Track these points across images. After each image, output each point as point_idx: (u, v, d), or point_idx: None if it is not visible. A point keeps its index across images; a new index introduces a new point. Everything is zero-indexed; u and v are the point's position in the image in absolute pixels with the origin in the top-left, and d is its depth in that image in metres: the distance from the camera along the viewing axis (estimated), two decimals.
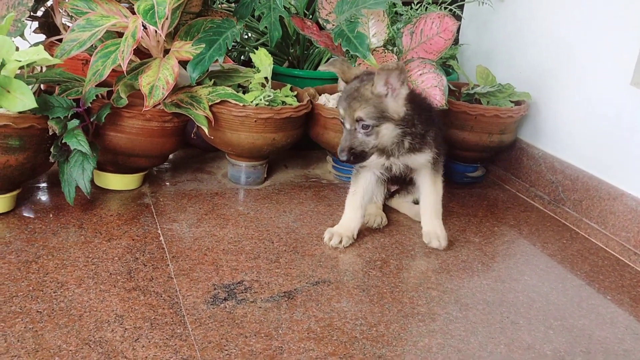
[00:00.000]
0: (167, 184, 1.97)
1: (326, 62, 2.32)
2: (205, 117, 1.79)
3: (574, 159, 2.00)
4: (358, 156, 1.56)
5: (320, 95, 2.10)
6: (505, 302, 1.48)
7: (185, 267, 1.49)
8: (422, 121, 1.61)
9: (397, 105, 1.54)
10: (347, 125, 1.55)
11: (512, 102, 2.12)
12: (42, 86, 1.80)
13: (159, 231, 1.66)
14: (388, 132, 1.55)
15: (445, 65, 2.38)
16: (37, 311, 1.28)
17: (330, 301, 1.41)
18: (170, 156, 2.10)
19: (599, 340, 1.37)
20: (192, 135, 1.95)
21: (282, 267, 1.54)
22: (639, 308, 1.52)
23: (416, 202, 1.83)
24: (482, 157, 2.21)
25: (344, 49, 1.90)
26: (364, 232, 1.76)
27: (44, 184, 1.86)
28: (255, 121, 1.84)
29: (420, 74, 1.87)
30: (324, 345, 1.25)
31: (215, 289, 1.42)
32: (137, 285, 1.40)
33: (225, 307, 1.35)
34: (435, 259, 1.66)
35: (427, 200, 1.73)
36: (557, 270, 1.67)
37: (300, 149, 2.29)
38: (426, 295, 1.48)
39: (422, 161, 1.67)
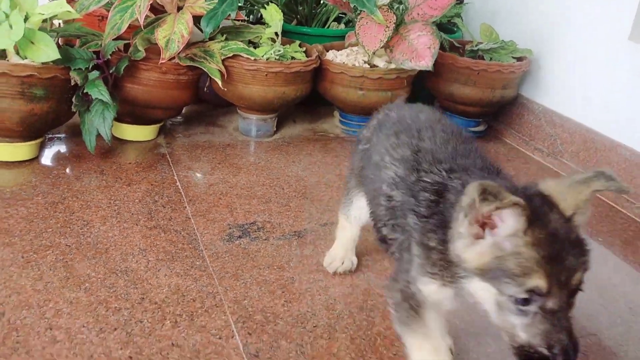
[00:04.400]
0: (181, 135, 2.06)
1: (334, 20, 2.40)
2: (219, 70, 1.87)
3: (572, 113, 2.08)
4: None
5: (328, 51, 2.17)
6: None
7: (202, 209, 1.59)
8: None
9: None
10: (563, 299, 0.80)
11: (514, 58, 2.18)
12: (60, 41, 1.87)
13: (176, 177, 1.75)
14: None
15: (450, 24, 2.44)
16: (66, 245, 1.38)
17: None
18: (183, 110, 2.18)
19: (589, 278, 1.46)
20: (205, 89, 2.03)
21: (292, 210, 1.63)
22: (628, 249, 1.61)
23: None
24: (484, 112, 2.28)
25: (352, 5, 1.97)
26: None
27: (64, 135, 1.94)
28: (266, 75, 1.92)
29: (419, 35, 1.96)
30: (332, 277, 1.35)
31: (230, 228, 1.52)
32: (158, 224, 1.50)
33: (240, 244, 1.45)
34: None
35: None
36: None
37: (308, 104, 2.37)
38: None
39: None
